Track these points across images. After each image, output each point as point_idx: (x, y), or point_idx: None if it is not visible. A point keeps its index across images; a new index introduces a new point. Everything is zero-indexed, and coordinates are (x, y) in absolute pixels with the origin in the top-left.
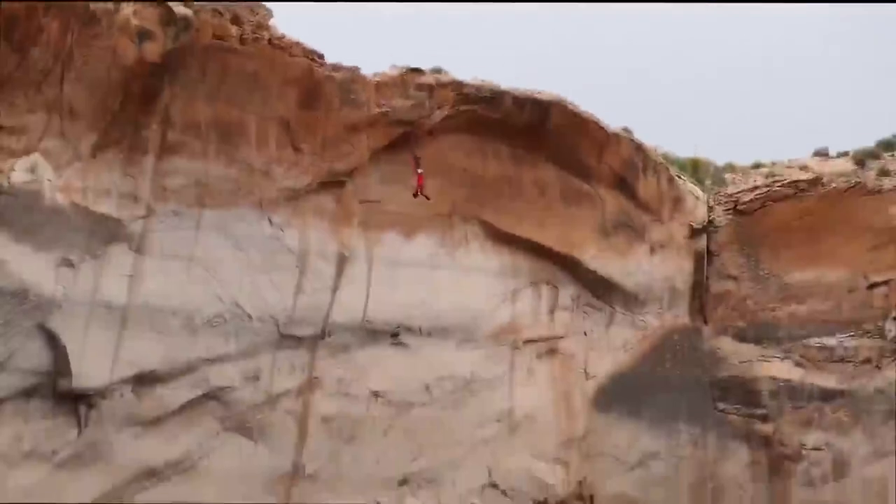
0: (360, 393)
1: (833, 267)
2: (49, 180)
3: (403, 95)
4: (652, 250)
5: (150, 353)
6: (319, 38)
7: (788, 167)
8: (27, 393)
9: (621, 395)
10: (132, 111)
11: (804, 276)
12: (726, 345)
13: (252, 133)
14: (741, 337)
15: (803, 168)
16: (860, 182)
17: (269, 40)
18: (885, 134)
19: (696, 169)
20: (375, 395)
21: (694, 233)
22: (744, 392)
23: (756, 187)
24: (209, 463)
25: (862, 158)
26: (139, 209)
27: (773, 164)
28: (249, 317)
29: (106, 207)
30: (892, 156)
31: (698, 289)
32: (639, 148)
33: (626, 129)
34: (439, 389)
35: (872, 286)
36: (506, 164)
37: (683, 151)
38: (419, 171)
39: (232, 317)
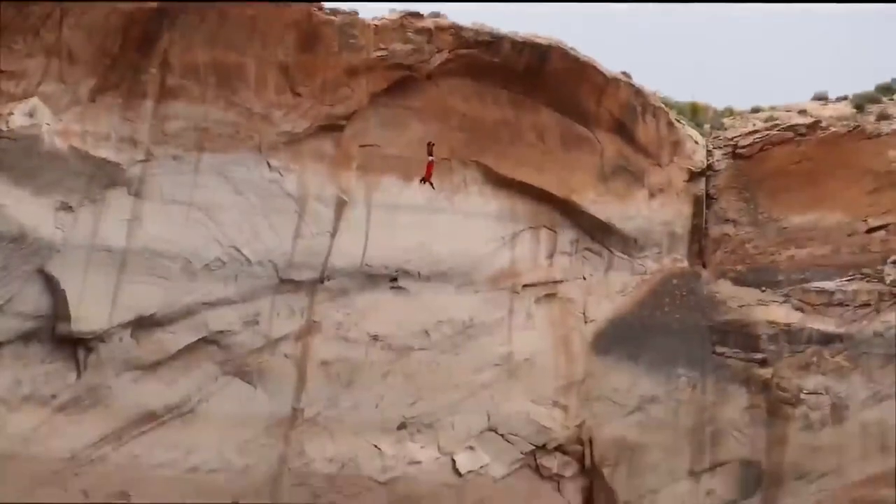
0: (358, 337)
1: (832, 211)
2: (48, 124)
3: (402, 39)
4: (651, 194)
5: (149, 298)
6: None
7: (787, 111)
8: (26, 337)
9: (620, 339)
10: (131, 56)
11: (803, 220)
12: (725, 289)
13: (251, 77)
14: (740, 281)
15: (802, 112)
16: (859, 126)
17: None
18: (885, 78)
19: (694, 113)
20: (374, 339)
21: (693, 177)
22: (743, 336)
23: (755, 131)
24: (208, 407)
25: (861, 103)
26: (138, 153)
27: (772, 108)
28: (248, 261)
29: (105, 152)
30: (892, 100)
31: (697, 233)
32: (638, 92)
33: (625, 74)
34: (438, 334)
35: (871, 230)
36: (505, 109)
37: (682, 96)
38: (431, 158)
39: (231, 261)
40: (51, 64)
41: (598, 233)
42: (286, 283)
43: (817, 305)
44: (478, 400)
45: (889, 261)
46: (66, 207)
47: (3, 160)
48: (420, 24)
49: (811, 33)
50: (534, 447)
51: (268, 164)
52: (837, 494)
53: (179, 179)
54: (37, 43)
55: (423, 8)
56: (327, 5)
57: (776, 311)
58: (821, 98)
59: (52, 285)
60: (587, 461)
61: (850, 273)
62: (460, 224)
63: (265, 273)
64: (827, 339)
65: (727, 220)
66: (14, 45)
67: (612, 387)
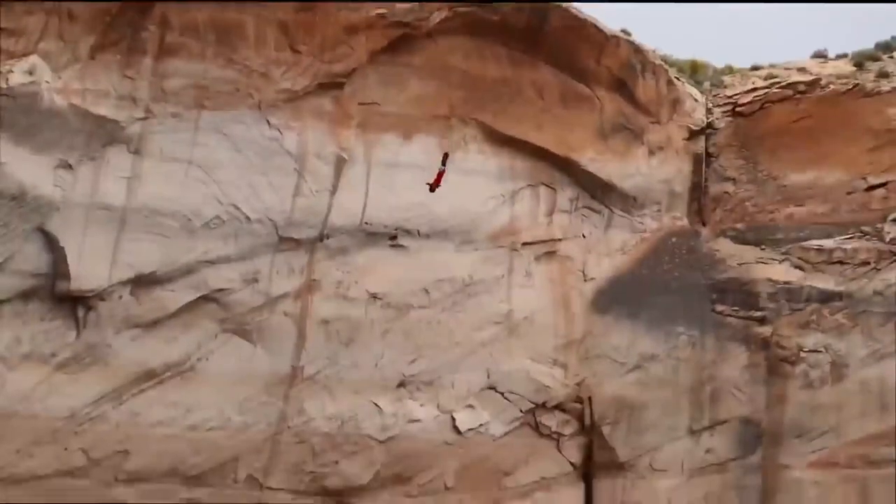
0: (358, 295)
1: (831, 169)
2: (47, 82)
3: None
4: (650, 152)
5: (148, 256)
6: None
7: (787, 69)
8: (25, 295)
9: (620, 297)
10: (130, 13)
11: (803, 178)
12: (725, 247)
13: (250, 35)
14: (739, 239)
15: (802, 70)
16: (859, 84)
17: None
18: (885, 36)
19: (694, 71)
20: (374, 297)
21: (692, 135)
22: (742, 294)
23: (755, 89)
24: (208, 365)
25: (861, 60)
26: (138, 111)
27: (772, 66)
28: (248, 219)
29: (104, 109)
30: (892, 58)
31: (697, 191)
32: (637, 50)
33: (624, 31)
34: (438, 292)
35: (871, 188)
36: (504, 67)
37: (682, 54)
38: (443, 168)
39: (230, 219)
40: (50, 21)
41: (597, 191)
42: (286, 242)
43: (817, 263)
44: (477, 358)
45: (889, 219)
46: (66, 165)
47: (2, 118)
48: None
49: None
50: (533, 405)
51: (267, 121)
52: (837, 452)
53: (179, 137)
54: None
55: None
56: None
57: (776, 270)
58: (820, 56)
59: (51, 243)
60: (587, 419)
61: (850, 231)
62: (460, 182)
63: (265, 231)
64: (826, 297)
65: (727, 179)
66: (13, 2)
67: (611, 345)
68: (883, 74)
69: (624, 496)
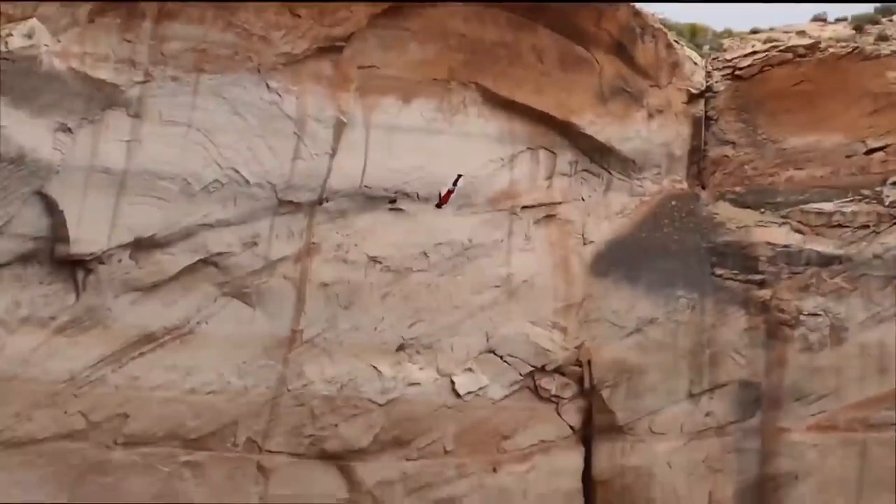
0: (357, 259)
1: (831, 132)
2: (46, 46)
3: None
4: (650, 116)
5: (148, 219)
6: None
7: (786, 32)
8: (25, 258)
9: (619, 260)
10: None
11: (802, 141)
12: (724, 210)
13: None
14: (739, 202)
15: (801, 34)
16: (858, 47)
17: None
18: None
19: (693, 35)
20: (373, 260)
21: (692, 98)
22: (741, 257)
23: (754, 52)
24: (207, 328)
25: (860, 24)
26: (137, 74)
27: (772, 29)
28: (247, 182)
29: (104, 73)
30: (891, 21)
31: (696, 154)
32: (637, 13)
33: None
34: (437, 255)
35: (870, 151)
36: (504, 30)
37: (681, 18)
38: (452, 188)
39: (230, 182)
40: None
41: (596, 154)
42: (285, 205)
43: (816, 227)
44: (477, 322)
45: (888, 182)
46: (65, 129)
47: (1, 81)
48: None
49: None
50: (533, 369)
51: (266, 85)
52: (836, 415)
53: (178, 101)
54: None
55: None
56: None
57: (775, 233)
58: (820, 19)
59: (50, 207)
60: (586, 383)
61: (849, 194)
62: (459, 145)
63: (264, 194)
64: (826, 261)
65: (726, 142)
66: None
67: (611, 308)
68: (882, 37)
69: (623, 459)
